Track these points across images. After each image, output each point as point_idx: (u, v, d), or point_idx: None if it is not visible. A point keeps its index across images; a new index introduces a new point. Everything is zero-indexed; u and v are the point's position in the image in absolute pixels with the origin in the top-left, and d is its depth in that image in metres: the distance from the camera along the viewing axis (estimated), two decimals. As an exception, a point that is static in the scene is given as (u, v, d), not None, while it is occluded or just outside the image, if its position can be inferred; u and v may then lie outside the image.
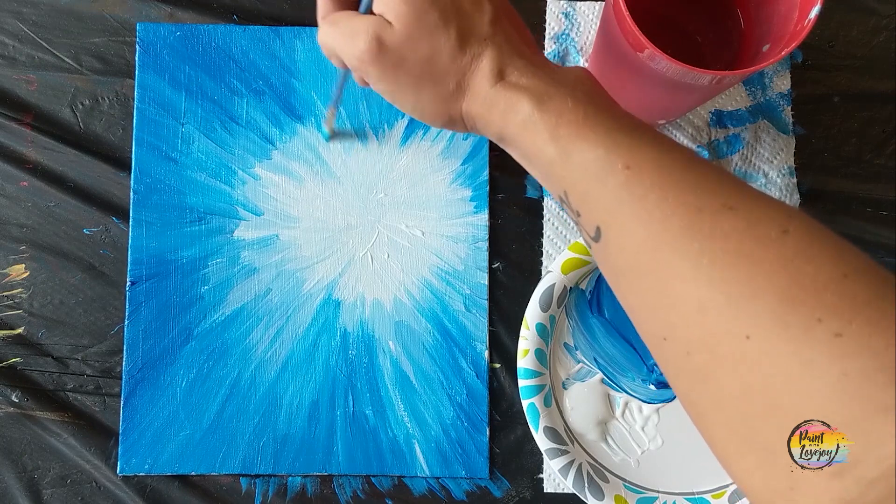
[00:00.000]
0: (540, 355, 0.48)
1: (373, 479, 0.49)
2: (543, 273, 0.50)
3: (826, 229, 0.27)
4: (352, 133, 0.52)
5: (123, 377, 0.49)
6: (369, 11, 0.33)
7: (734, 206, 0.27)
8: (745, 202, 0.28)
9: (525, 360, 0.48)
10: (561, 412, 0.49)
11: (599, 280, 0.51)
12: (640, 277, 0.29)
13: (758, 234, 0.27)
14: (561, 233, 0.51)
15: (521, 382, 0.48)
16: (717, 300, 0.26)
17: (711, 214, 0.27)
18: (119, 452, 0.49)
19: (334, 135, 0.51)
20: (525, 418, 0.48)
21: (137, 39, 0.52)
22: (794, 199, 0.51)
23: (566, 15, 0.53)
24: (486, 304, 0.50)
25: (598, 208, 0.30)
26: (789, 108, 0.53)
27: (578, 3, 0.53)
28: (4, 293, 0.51)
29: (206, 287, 0.50)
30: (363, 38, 0.32)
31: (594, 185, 0.30)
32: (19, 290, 0.51)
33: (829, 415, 0.24)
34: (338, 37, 0.33)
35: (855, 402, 0.23)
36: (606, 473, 0.48)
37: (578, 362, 0.50)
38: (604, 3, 0.45)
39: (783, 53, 0.38)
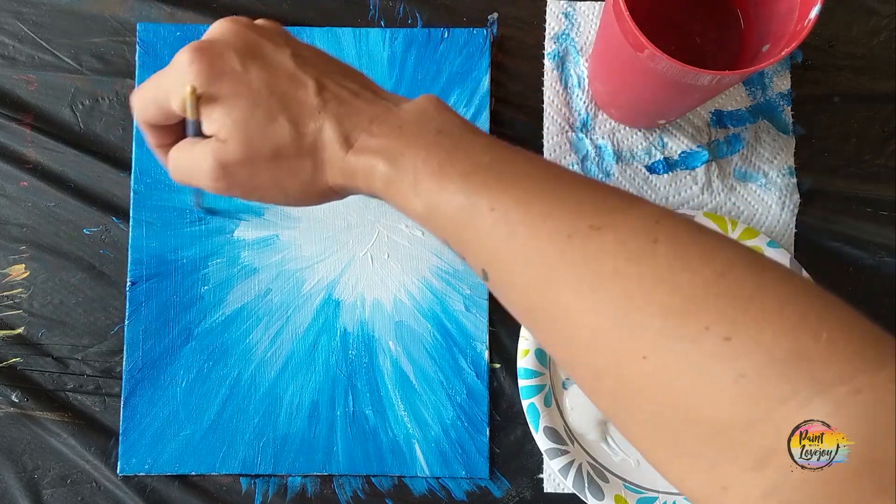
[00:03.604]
0: (540, 355, 0.48)
1: (373, 480, 0.49)
2: (543, 273, 0.50)
3: (695, 226, 0.27)
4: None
5: (123, 377, 0.49)
6: (199, 133, 0.33)
7: (600, 225, 0.27)
8: (611, 218, 0.27)
9: (525, 360, 0.48)
10: (561, 412, 0.49)
11: (599, 280, 0.50)
12: (533, 312, 0.29)
13: (629, 251, 0.26)
14: (561, 233, 0.51)
15: (521, 382, 0.48)
16: (606, 325, 0.26)
17: (581, 239, 0.27)
18: (119, 452, 0.49)
19: (203, 207, 0.51)
20: (525, 418, 0.48)
21: (138, 39, 0.52)
22: (794, 199, 0.51)
23: (566, 15, 0.53)
24: (486, 304, 0.50)
25: (478, 252, 0.30)
26: (789, 108, 0.53)
27: (578, 3, 0.53)
28: (4, 293, 0.51)
29: (206, 287, 0.50)
30: (205, 166, 0.32)
31: (466, 231, 0.29)
32: (19, 290, 0.51)
33: (736, 417, 0.24)
34: (182, 171, 0.34)
35: (755, 400, 0.24)
36: (606, 473, 0.48)
37: (578, 362, 0.50)
38: (604, 3, 0.45)
39: (783, 53, 0.38)
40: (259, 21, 0.35)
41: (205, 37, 0.33)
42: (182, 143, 0.34)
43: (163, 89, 0.33)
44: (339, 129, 0.31)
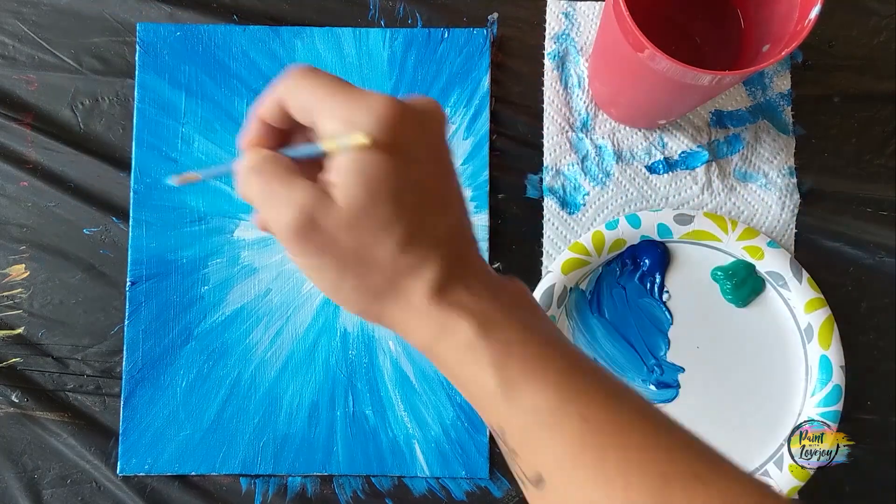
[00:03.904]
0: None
1: (373, 480, 0.49)
2: (543, 273, 0.50)
3: None
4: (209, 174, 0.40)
5: (123, 377, 0.49)
6: (309, 159, 0.28)
7: (703, 476, 0.25)
8: (716, 472, 0.25)
9: (525, 360, 0.48)
10: (561, 412, 0.49)
11: (599, 280, 0.51)
12: None
13: None
14: (561, 233, 0.51)
15: (522, 382, 0.48)
16: None
17: (681, 485, 0.24)
18: (119, 452, 0.49)
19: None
20: (525, 418, 0.48)
21: (137, 39, 0.52)
22: (794, 199, 0.51)
23: (566, 15, 0.53)
24: (486, 304, 0.50)
25: (544, 456, 0.26)
26: (789, 108, 0.53)
27: (578, 3, 0.53)
28: (4, 293, 0.51)
29: (206, 287, 0.50)
30: (293, 212, 0.26)
31: (542, 431, 0.26)
32: (19, 290, 0.51)
33: None
34: (264, 198, 0.27)
35: None
36: (606, 473, 0.48)
37: (578, 362, 0.50)
38: (604, 3, 0.45)
39: (783, 53, 0.38)
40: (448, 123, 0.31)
41: (407, 99, 0.28)
42: (279, 166, 0.27)
43: (322, 104, 0.27)
44: (442, 273, 0.27)
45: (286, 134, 0.30)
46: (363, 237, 0.26)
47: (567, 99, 0.52)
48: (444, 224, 0.28)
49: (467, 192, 0.51)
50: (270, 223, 0.27)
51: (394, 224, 0.26)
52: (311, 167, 0.28)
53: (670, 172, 0.52)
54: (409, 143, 0.26)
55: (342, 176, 0.26)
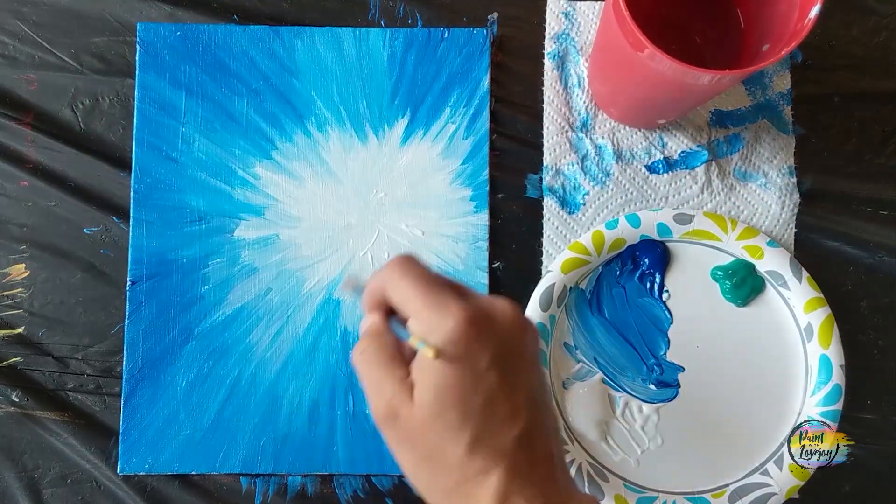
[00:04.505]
0: (540, 355, 0.48)
1: (373, 479, 0.49)
2: (543, 273, 0.50)
3: None
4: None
5: (124, 377, 0.49)
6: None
7: None
8: None
9: (525, 359, 0.48)
10: (561, 412, 0.49)
11: (599, 280, 0.51)
12: None
13: None
14: (561, 233, 0.51)
15: (522, 382, 0.48)
16: None
17: None
18: (119, 452, 0.49)
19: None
20: (525, 418, 0.48)
21: (138, 39, 0.52)
22: (794, 199, 0.51)
23: (566, 15, 0.53)
24: (486, 303, 0.50)
25: None
26: (789, 107, 0.53)
27: (578, 3, 0.53)
28: (4, 293, 0.51)
29: (206, 287, 0.50)
30: (383, 403, 0.30)
31: None
32: (19, 289, 0.51)
33: None
34: (365, 380, 0.31)
35: None
36: (606, 473, 0.48)
37: (578, 362, 0.50)
38: (604, 2, 0.45)
39: (783, 53, 0.38)
40: (537, 330, 0.33)
41: (490, 306, 0.31)
42: (382, 350, 0.31)
43: (411, 304, 0.30)
44: (506, 483, 0.29)
45: None
46: (433, 437, 0.29)
47: (567, 99, 0.52)
48: (508, 434, 0.29)
49: (467, 192, 0.51)
50: (368, 404, 0.31)
51: (460, 429, 0.29)
52: None
53: (670, 172, 0.52)
54: (477, 355, 0.29)
55: (419, 375, 0.29)
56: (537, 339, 0.33)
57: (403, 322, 0.31)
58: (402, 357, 0.31)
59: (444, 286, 0.30)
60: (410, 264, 0.31)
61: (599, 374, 0.50)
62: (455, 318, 0.29)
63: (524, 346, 0.31)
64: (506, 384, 0.30)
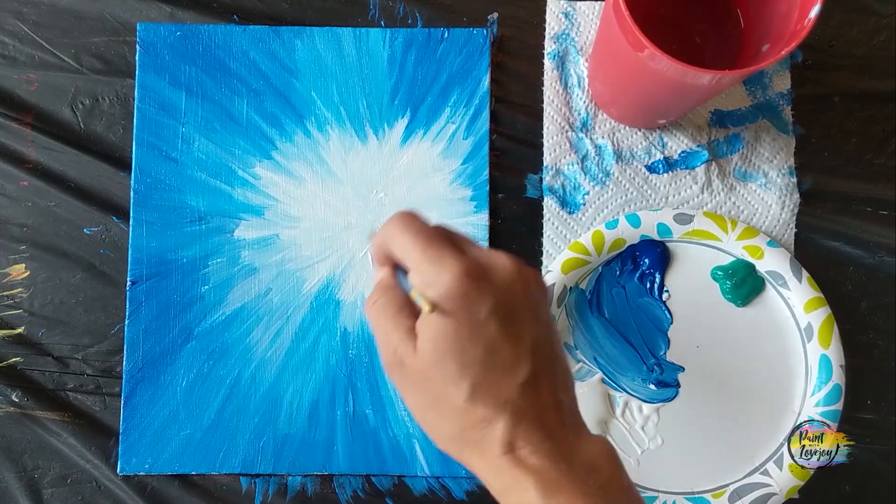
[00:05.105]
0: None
1: (373, 479, 0.49)
2: (543, 272, 0.50)
3: None
4: None
5: (124, 377, 0.49)
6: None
7: None
8: None
9: (525, 359, 0.48)
10: (561, 412, 0.49)
11: (599, 280, 0.51)
12: None
13: None
14: (561, 233, 0.51)
15: (522, 382, 0.48)
16: None
17: None
18: (119, 452, 0.49)
19: None
20: (525, 418, 0.48)
21: (138, 39, 0.52)
22: (794, 199, 0.51)
23: (566, 15, 0.53)
24: (486, 303, 0.50)
25: None
26: (789, 107, 0.53)
27: (578, 3, 0.53)
28: (4, 293, 0.51)
29: (206, 287, 0.50)
30: (391, 350, 0.31)
31: None
32: (19, 289, 0.51)
33: None
34: (375, 330, 0.32)
35: None
36: (606, 473, 0.48)
37: (578, 362, 0.50)
38: (604, 2, 0.45)
39: (783, 53, 0.38)
40: (541, 281, 0.34)
41: (488, 260, 0.31)
42: (391, 302, 0.32)
43: (411, 257, 0.31)
44: (511, 431, 0.30)
45: None
46: (436, 386, 0.30)
47: (567, 99, 0.52)
48: (512, 383, 0.30)
49: (467, 192, 0.51)
50: (380, 349, 0.32)
51: (460, 378, 0.29)
52: None
53: (670, 172, 0.52)
54: (473, 308, 0.30)
55: (420, 328, 0.30)
56: (542, 290, 0.33)
57: (408, 274, 0.32)
58: (411, 308, 0.32)
59: (442, 240, 0.31)
60: (409, 219, 0.32)
61: (599, 374, 0.50)
62: (451, 271, 0.30)
63: (526, 297, 0.31)
64: (507, 334, 0.30)
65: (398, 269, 0.33)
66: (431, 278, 0.30)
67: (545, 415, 0.30)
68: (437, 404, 0.30)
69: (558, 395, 0.31)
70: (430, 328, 0.30)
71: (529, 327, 0.31)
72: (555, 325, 0.33)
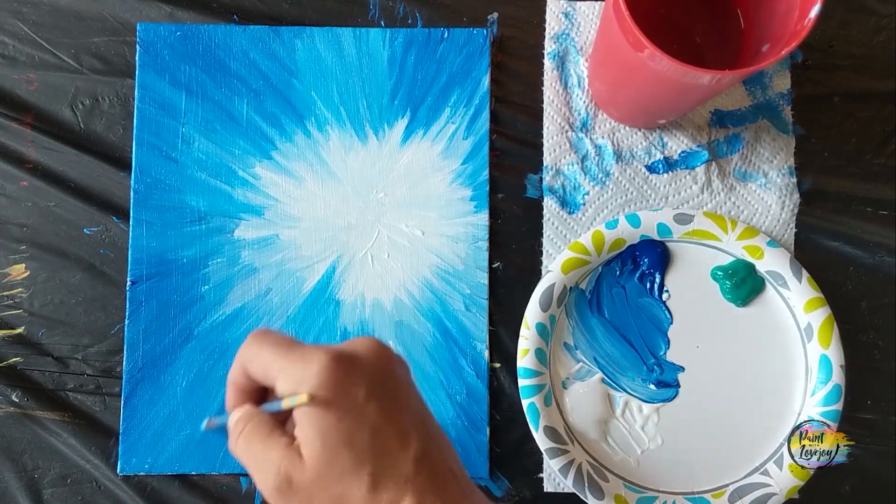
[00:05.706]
0: (540, 355, 0.48)
1: (373, 479, 0.49)
2: (543, 273, 0.50)
3: None
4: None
5: (124, 377, 0.49)
6: (284, 412, 0.31)
7: None
8: None
9: (525, 359, 0.48)
10: (561, 412, 0.49)
11: (599, 280, 0.51)
12: None
13: None
14: (561, 233, 0.51)
15: (521, 382, 0.48)
16: None
17: None
18: (119, 452, 0.49)
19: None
20: (525, 418, 0.48)
21: (138, 39, 0.52)
22: (794, 199, 0.51)
23: (566, 15, 0.53)
24: (486, 303, 0.50)
25: None
26: (789, 107, 0.53)
27: (578, 3, 0.53)
28: (4, 293, 0.51)
29: (206, 287, 0.50)
30: (272, 474, 0.29)
31: None
32: (19, 289, 0.51)
33: None
34: (249, 461, 0.31)
35: None
36: (606, 473, 0.48)
37: (578, 362, 0.50)
38: (604, 2, 0.45)
39: (783, 53, 0.38)
40: (400, 356, 0.34)
41: (350, 346, 0.32)
42: (260, 430, 0.31)
43: (275, 366, 0.31)
44: None
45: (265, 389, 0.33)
46: (333, 487, 0.29)
47: (567, 99, 0.52)
48: (406, 460, 0.30)
49: (467, 192, 0.51)
50: (258, 485, 0.30)
51: (358, 468, 0.29)
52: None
53: (670, 172, 0.52)
54: (351, 392, 0.29)
55: (302, 431, 0.29)
56: (406, 366, 0.34)
57: (271, 398, 0.32)
58: (282, 427, 0.31)
59: (301, 343, 0.31)
60: (263, 334, 0.32)
61: (599, 374, 0.50)
62: (320, 362, 0.29)
63: (395, 373, 0.32)
64: (388, 412, 0.30)
65: (261, 405, 0.33)
66: (301, 375, 0.29)
67: (444, 485, 0.30)
68: None
69: (449, 464, 0.32)
70: (313, 426, 0.29)
71: (407, 402, 0.31)
72: (423, 399, 0.34)
